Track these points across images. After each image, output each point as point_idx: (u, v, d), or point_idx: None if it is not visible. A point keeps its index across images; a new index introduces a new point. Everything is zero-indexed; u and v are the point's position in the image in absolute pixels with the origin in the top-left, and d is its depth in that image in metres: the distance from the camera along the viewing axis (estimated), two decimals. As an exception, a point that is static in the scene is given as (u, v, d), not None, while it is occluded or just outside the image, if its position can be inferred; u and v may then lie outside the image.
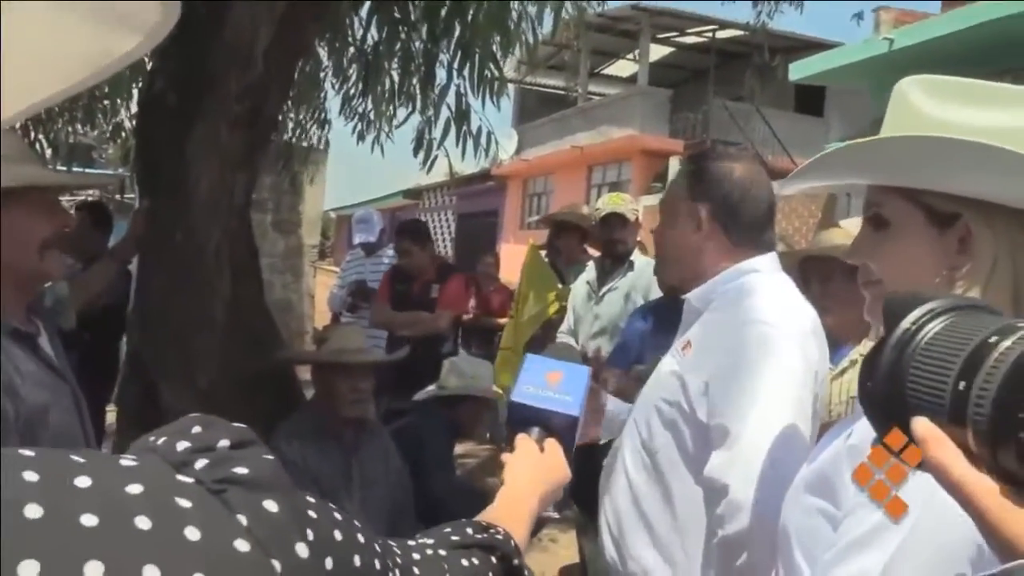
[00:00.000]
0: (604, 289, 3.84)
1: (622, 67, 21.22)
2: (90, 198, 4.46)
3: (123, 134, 4.76)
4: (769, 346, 1.53)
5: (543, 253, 5.06)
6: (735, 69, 17.38)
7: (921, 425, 0.49)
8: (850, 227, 2.58)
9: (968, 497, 0.48)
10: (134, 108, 3.73)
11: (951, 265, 0.96)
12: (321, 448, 2.69)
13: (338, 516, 0.59)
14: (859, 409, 1.09)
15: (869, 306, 1.07)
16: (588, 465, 2.00)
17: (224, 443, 0.51)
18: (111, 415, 3.68)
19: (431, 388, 3.37)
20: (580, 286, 4.01)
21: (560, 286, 4.61)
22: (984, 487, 0.48)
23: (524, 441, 1.10)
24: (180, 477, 0.48)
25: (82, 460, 0.45)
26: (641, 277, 3.68)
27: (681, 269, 1.73)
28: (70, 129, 4.59)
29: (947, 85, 0.99)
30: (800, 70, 10.32)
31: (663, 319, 2.14)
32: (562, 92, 20.93)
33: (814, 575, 0.99)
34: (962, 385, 0.47)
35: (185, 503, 0.45)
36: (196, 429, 0.52)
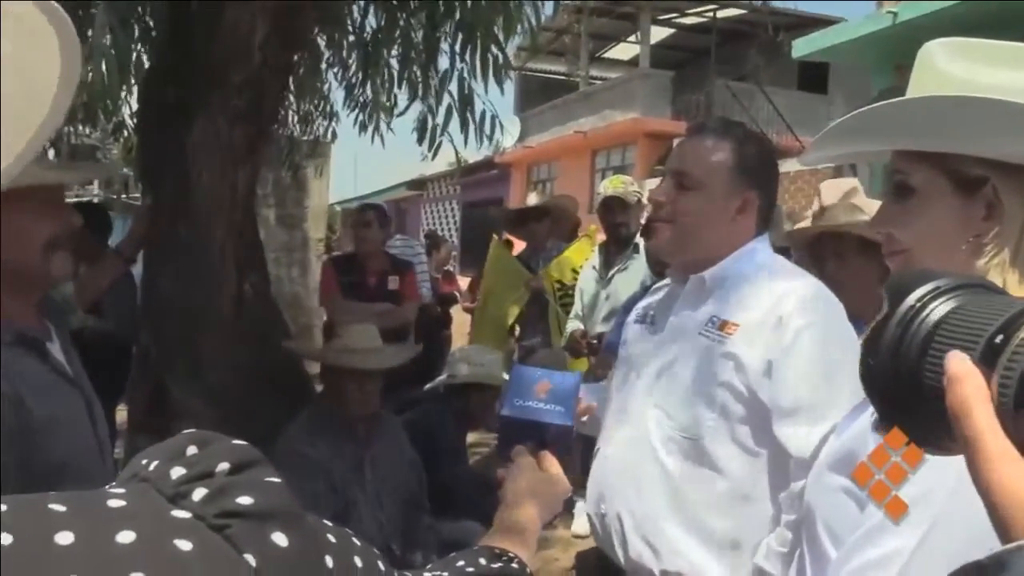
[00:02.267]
0: (612, 272, 3.83)
1: (623, 50, 21.10)
2: (95, 199, 4.44)
3: (125, 132, 4.75)
4: (832, 320, 1.54)
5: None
6: (736, 48, 17.28)
7: (957, 361, 0.45)
8: (864, 204, 2.56)
9: (980, 455, 0.43)
10: (135, 105, 3.70)
11: (977, 232, 0.93)
12: (333, 442, 2.68)
13: (356, 541, 0.55)
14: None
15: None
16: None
17: (223, 466, 0.45)
18: (121, 414, 3.68)
19: (441, 377, 3.35)
20: (587, 272, 4.00)
21: (528, 274, 4.61)
22: (1001, 449, 0.43)
23: (520, 456, 1.08)
24: (176, 513, 0.43)
25: (63, 509, 0.40)
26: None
27: (707, 248, 1.66)
28: (70, 129, 4.57)
29: (974, 47, 0.96)
30: (803, 47, 10.22)
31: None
32: (563, 77, 20.86)
33: (839, 556, 0.97)
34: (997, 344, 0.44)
35: (185, 546, 0.40)
36: (191, 450, 0.47)
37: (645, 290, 3.36)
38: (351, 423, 2.74)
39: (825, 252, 2.31)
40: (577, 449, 2.34)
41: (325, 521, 0.53)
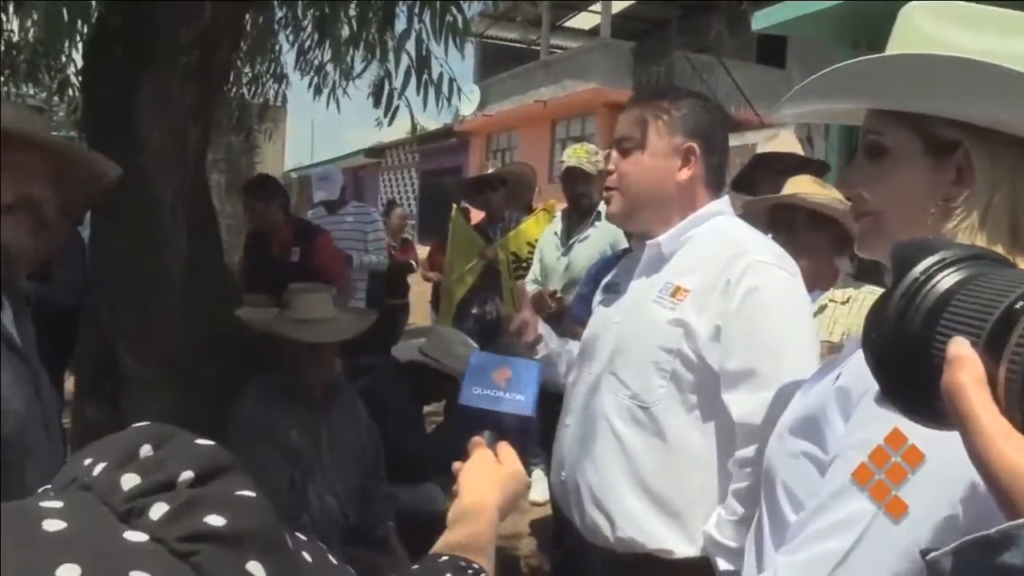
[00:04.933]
0: (572, 240, 3.82)
1: (584, 19, 20.98)
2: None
3: (70, 91, 4.58)
4: (782, 286, 1.53)
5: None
6: (698, 20, 17.28)
7: (957, 345, 0.44)
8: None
9: (976, 433, 0.43)
10: (80, 63, 3.57)
11: (947, 195, 0.93)
12: (288, 410, 2.63)
13: (332, 560, 0.49)
14: (846, 351, 1.06)
15: (861, 237, 1.04)
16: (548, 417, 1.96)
17: (186, 475, 0.37)
18: (69, 381, 3.58)
19: (408, 347, 3.29)
20: (548, 237, 3.98)
21: (485, 244, 4.58)
22: (998, 427, 0.43)
23: (478, 448, 1.04)
24: (130, 535, 0.35)
25: None
26: (611, 228, 3.64)
27: (657, 210, 1.66)
28: (11, 88, 4.39)
29: (955, 10, 0.95)
30: (762, 20, 10.23)
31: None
32: (523, 46, 20.69)
33: (799, 519, 0.97)
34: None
35: None
36: (145, 451, 0.38)
37: (604, 260, 3.39)
38: (307, 390, 2.69)
39: (777, 224, 2.34)
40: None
41: (299, 535, 0.46)
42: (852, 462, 0.89)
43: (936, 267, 0.49)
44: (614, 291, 1.78)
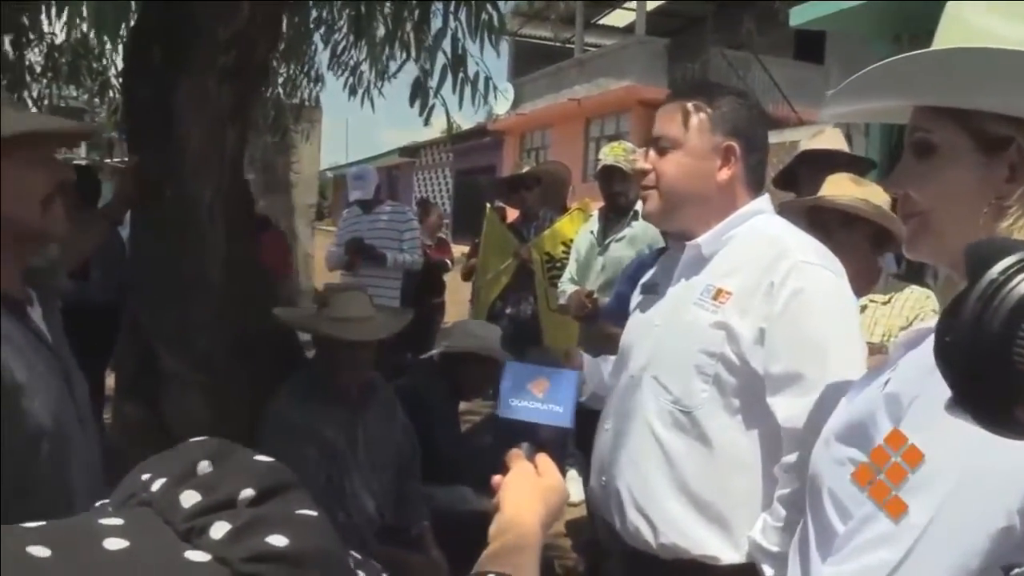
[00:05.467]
0: (609, 239, 3.79)
1: (618, 16, 20.89)
2: (82, 162, 4.36)
3: (111, 93, 4.64)
4: (826, 287, 1.50)
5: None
6: (733, 15, 17.09)
7: None
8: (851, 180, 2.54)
9: None
10: (120, 65, 3.61)
11: (1000, 194, 0.90)
12: (325, 409, 2.64)
13: None
14: (895, 356, 1.03)
15: (910, 239, 1.01)
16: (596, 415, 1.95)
17: (247, 493, 0.36)
18: (110, 379, 3.64)
19: (440, 346, 3.32)
20: (584, 236, 3.96)
21: (519, 243, 4.57)
22: None
23: (518, 461, 1.03)
24: (192, 555, 0.34)
25: (45, 554, 0.31)
26: (648, 227, 3.61)
27: (697, 211, 1.63)
28: (55, 89, 4.46)
29: (1003, 3, 0.91)
30: (800, 15, 10.10)
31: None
32: (558, 44, 20.65)
33: (847, 530, 0.94)
34: None
35: None
36: (204, 467, 0.37)
37: (640, 260, 3.36)
38: (343, 389, 2.70)
39: (815, 224, 2.31)
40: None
41: (355, 554, 0.45)
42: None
43: (1016, 268, 0.47)
44: (653, 292, 1.76)
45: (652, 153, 1.67)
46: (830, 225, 2.25)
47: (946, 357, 0.49)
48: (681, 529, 1.55)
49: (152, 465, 0.38)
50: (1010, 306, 0.46)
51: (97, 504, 0.37)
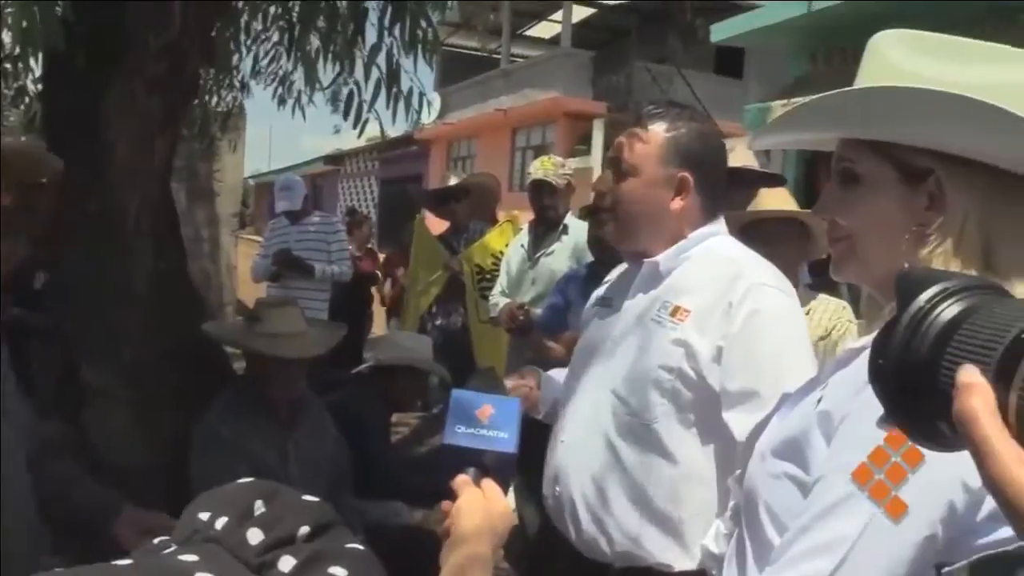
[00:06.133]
0: (539, 253, 3.83)
1: (544, 28, 21.08)
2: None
3: (27, 99, 4.47)
4: (781, 308, 1.56)
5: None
6: (657, 30, 17.44)
7: (968, 373, 0.46)
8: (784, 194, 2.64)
9: (990, 457, 0.45)
10: (39, 71, 3.49)
11: (920, 221, 0.96)
12: (256, 425, 2.60)
13: None
14: (825, 373, 1.09)
15: (836, 262, 1.07)
16: (532, 432, 1.97)
17: (304, 530, 0.41)
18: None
19: (368, 359, 3.30)
20: (515, 249, 3.99)
21: (449, 255, 4.60)
22: (1013, 452, 0.45)
23: (466, 488, 1.05)
24: None
25: None
26: (577, 240, 3.67)
27: (651, 236, 1.68)
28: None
29: (922, 40, 0.98)
30: (720, 31, 10.41)
31: (597, 283, 2.12)
32: (484, 54, 20.71)
33: (782, 541, 0.98)
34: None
35: None
36: (259, 506, 0.41)
37: (574, 273, 3.40)
38: (274, 405, 2.66)
39: (753, 238, 2.38)
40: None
41: None
42: (835, 484, 0.91)
43: (940, 296, 0.51)
44: (607, 306, 1.79)
45: (609, 175, 1.70)
46: (770, 238, 2.32)
47: (879, 378, 0.54)
48: (636, 538, 1.59)
49: (208, 503, 0.41)
50: (935, 332, 0.50)
51: (155, 540, 0.39)
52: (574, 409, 1.74)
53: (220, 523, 0.40)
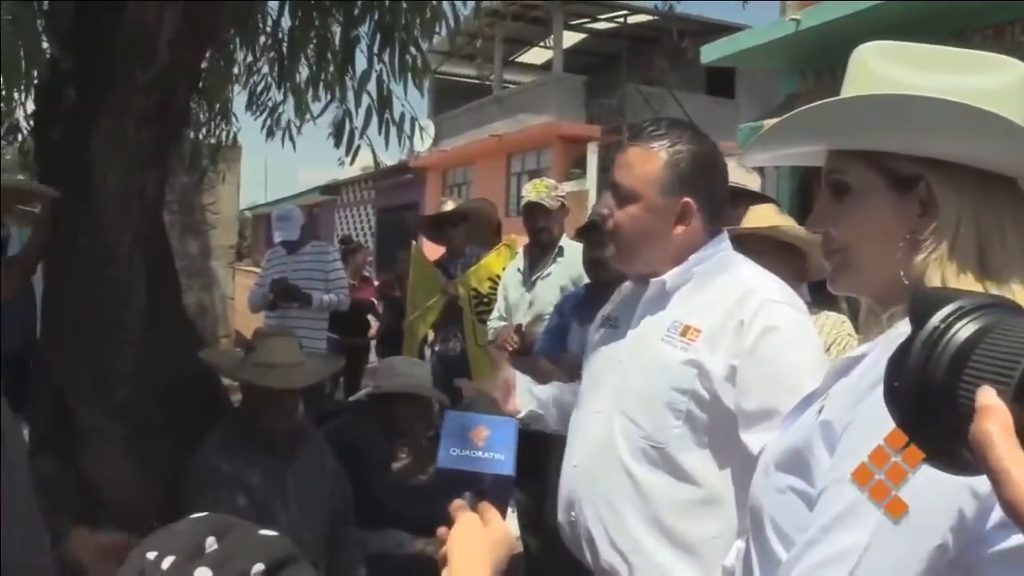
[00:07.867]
0: (535, 276, 3.82)
1: (536, 54, 21.25)
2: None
3: (19, 136, 4.48)
4: (794, 324, 1.54)
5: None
6: (647, 53, 17.58)
7: (985, 394, 0.44)
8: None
9: (1006, 481, 0.43)
10: (31, 107, 3.50)
11: (914, 228, 0.96)
12: (252, 457, 2.57)
13: None
14: (826, 384, 1.07)
15: (832, 274, 1.05)
16: (535, 451, 1.94)
17: (258, 568, 0.38)
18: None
19: (367, 387, 3.27)
20: (511, 273, 3.98)
21: (446, 280, 4.58)
22: None
23: (463, 514, 1.02)
24: None
25: None
26: (573, 262, 3.65)
27: (655, 259, 1.66)
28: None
29: (904, 50, 0.99)
30: (711, 52, 10.48)
31: (595, 304, 2.09)
32: (477, 81, 20.85)
33: (790, 556, 0.96)
34: None
35: None
36: (210, 542, 0.39)
37: (572, 295, 3.38)
38: (270, 436, 2.63)
39: (744, 251, 2.37)
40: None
41: None
42: (840, 495, 0.89)
43: (955, 316, 0.50)
44: (613, 327, 1.76)
45: (611, 199, 1.68)
46: (764, 256, 2.31)
47: (895, 401, 0.52)
48: (657, 564, 1.56)
49: (156, 543, 0.38)
50: (952, 353, 0.48)
51: None
52: (585, 433, 1.71)
53: (167, 563, 0.38)
